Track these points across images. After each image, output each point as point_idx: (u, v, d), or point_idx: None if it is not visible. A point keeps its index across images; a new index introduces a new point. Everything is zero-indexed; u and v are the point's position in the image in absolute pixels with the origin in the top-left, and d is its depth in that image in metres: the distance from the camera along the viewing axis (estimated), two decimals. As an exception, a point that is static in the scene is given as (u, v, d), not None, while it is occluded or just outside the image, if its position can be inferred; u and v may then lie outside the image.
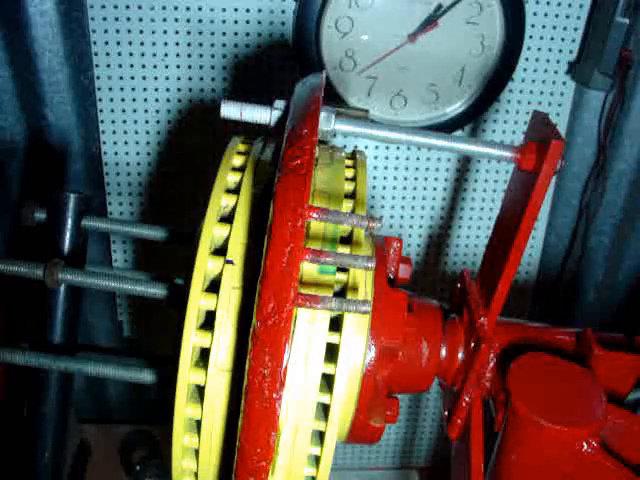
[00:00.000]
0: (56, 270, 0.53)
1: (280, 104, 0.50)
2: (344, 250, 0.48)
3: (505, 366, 0.56)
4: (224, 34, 0.98)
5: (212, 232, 0.47)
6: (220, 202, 0.49)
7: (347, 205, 0.52)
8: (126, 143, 1.05)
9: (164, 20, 0.96)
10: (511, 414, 0.53)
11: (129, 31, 0.96)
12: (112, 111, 1.02)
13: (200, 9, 0.96)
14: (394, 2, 0.95)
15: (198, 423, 0.46)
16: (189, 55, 0.99)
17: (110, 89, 1.00)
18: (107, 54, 0.98)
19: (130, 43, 0.97)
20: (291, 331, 0.40)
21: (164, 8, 0.95)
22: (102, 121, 1.03)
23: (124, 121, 1.03)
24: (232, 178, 0.51)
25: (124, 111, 1.02)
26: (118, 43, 0.97)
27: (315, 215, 0.40)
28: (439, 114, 1.03)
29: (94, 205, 0.66)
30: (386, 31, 0.96)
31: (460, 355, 0.59)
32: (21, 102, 1.01)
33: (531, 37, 1.03)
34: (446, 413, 0.62)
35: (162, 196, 1.10)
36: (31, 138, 1.04)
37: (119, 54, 0.98)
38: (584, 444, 0.52)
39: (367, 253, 0.53)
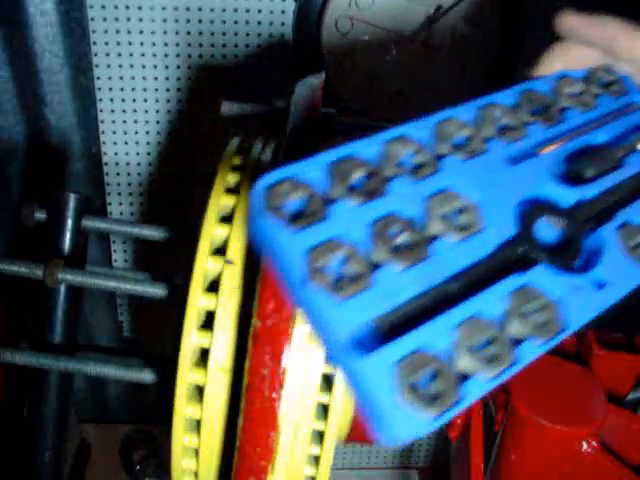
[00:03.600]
0: (56, 270, 0.53)
1: (280, 104, 0.50)
2: (344, 250, 0.48)
3: (505, 366, 0.56)
4: (224, 34, 0.98)
5: (212, 232, 0.47)
6: (220, 202, 0.49)
7: (347, 205, 0.51)
8: (126, 143, 1.05)
9: (164, 20, 0.96)
10: (511, 414, 0.53)
11: (129, 31, 0.96)
12: (112, 111, 1.02)
13: (200, 9, 0.96)
14: (394, 2, 0.95)
15: (198, 423, 0.46)
16: (189, 55, 0.99)
17: (110, 89, 1.00)
18: (107, 54, 0.98)
19: (130, 43, 0.97)
20: (291, 331, 0.40)
21: (164, 8, 0.95)
22: (102, 121, 1.03)
23: (124, 121, 1.03)
24: (232, 178, 0.51)
25: (124, 111, 1.02)
26: (118, 43, 0.97)
27: (315, 215, 0.40)
28: (439, 114, 1.03)
29: (94, 205, 0.65)
30: (386, 31, 0.96)
31: (460, 355, 0.59)
32: (21, 102, 1.01)
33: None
34: (446, 413, 0.62)
35: (162, 196, 1.10)
36: (31, 138, 1.04)
37: (119, 54, 0.98)
38: (584, 444, 0.52)
39: (367, 253, 0.53)
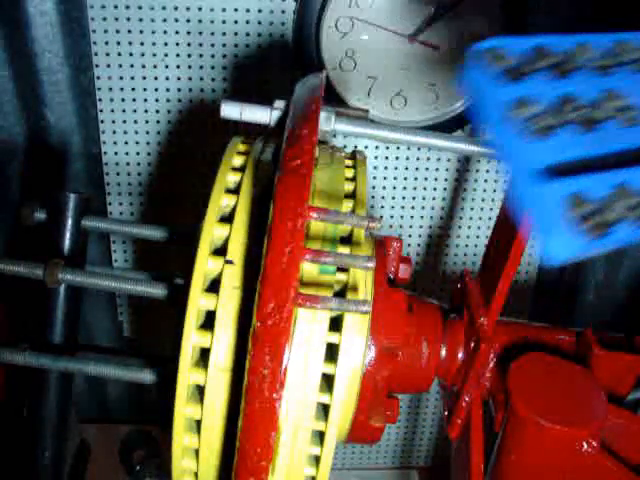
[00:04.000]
0: (56, 270, 0.53)
1: (280, 104, 0.51)
2: (344, 250, 0.48)
3: (505, 366, 0.56)
4: (224, 34, 0.98)
5: (212, 232, 0.47)
6: (220, 202, 0.49)
7: (347, 205, 0.52)
8: (126, 143, 1.05)
9: (164, 20, 0.96)
10: (511, 414, 0.53)
11: (129, 31, 0.96)
12: (112, 111, 1.02)
13: (200, 9, 0.96)
14: (394, 2, 0.95)
15: (198, 423, 0.46)
16: (189, 55, 0.99)
17: (110, 89, 1.00)
18: (107, 54, 0.98)
19: (130, 43, 0.97)
20: (291, 331, 0.40)
21: (164, 8, 0.95)
22: (102, 121, 1.03)
23: (124, 121, 1.03)
24: (232, 178, 0.51)
25: (124, 111, 1.02)
26: (118, 43, 0.97)
27: (315, 215, 0.40)
28: (439, 114, 1.03)
29: (94, 205, 0.65)
30: (386, 31, 0.96)
31: (460, 355, 0.59)
32: (21, 102, 1.01)
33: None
34: (446, 413, 0.62)
35: (162, 196, 1.10)
36: (31, 138, 1.04)
37: (119, 54, 0.98)
38: (584, 444, 0.52)
39: (367, 253, 0.53)
